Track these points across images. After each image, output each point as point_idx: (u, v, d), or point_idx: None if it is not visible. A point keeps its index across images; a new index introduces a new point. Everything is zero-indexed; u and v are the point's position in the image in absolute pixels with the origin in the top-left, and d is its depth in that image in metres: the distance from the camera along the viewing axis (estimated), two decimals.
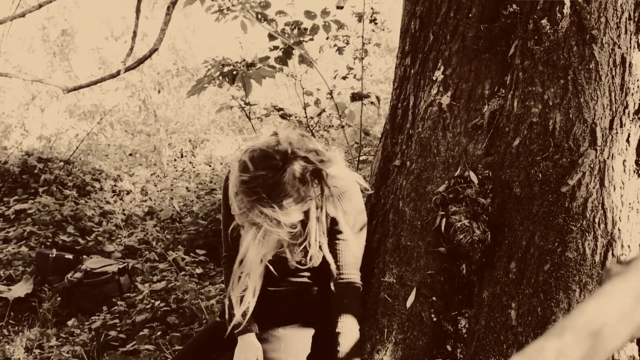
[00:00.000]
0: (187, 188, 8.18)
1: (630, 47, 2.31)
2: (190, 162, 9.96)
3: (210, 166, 9.67)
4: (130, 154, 10.07)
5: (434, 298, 2.49)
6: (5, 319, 4.87)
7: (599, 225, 2.23)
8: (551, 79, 2.34)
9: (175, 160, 10.08)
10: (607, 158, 2.26)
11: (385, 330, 2.50)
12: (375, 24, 4.27)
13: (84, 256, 5.73)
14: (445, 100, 2.61)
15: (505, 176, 2.40)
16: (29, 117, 10.97)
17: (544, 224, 2.26)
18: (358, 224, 2.49)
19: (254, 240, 2.21)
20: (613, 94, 2.28)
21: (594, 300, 0.51)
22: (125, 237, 6.67)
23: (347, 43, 4.32)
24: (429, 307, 2.49)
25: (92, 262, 5.40)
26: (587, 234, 2.22)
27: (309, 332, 2.53)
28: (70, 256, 5.63)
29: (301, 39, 4.25)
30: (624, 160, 2.32)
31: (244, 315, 2.41)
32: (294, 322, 2.53)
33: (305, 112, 4.49)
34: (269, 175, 2.07)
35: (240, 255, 2.28)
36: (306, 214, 2.23)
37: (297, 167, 2.09)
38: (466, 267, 2.47)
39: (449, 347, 2.48)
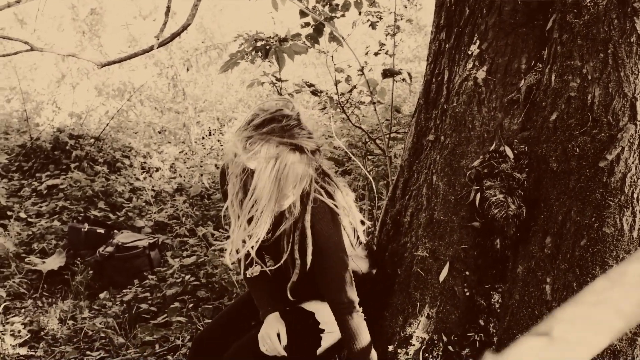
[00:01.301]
0: (215, 165, 8.22)
1: None
2: (219, 140, 9.99)
3: None
4: (159, 132, 10.12)
5: (467, 272, 2.49)
6: (39, 291, 4.94)
7: (637, 201, 2.21)
8: (590, 52, 2.31)
9: (203, 138, 10.12)
10: None
11: (418, 304, 2.51)
12: None
13: (115, 231, 5.78)
14: (481, 74, 2.59)
15: (542, 151, 2.38)
16: (60, 94, 11.07)
17: (581, 199, 2.24)
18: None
19: (270, 175, 2.09)
20: None
21: None
22: (155, 213, 6.73)
23: (380, 18, 4.30)
24: (462, 281, 2.49)
25: (123, 237, 5.45)
26: (625, 209, 2.20)
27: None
28: (101, 230, 5.69)
29: (332, 15, 4.23)
30: None
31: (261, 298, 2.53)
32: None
33: (337, 89, 4.48)
34: (285, 114, 2.11)
35: (250, 195, 2.14)
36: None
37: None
38: (500, 241, 2.46)
39: (481, 322, 2.48)
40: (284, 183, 2.10)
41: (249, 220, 2.19)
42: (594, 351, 0.49)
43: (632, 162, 2.21)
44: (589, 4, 2.32)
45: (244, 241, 2.25)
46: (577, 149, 2.27)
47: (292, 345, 2.43)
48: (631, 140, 2.21)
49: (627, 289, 0.50)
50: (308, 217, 2.26)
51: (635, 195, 2.21)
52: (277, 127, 2.07)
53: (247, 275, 2.50)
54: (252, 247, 2.26)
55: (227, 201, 2.26)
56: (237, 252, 2.30)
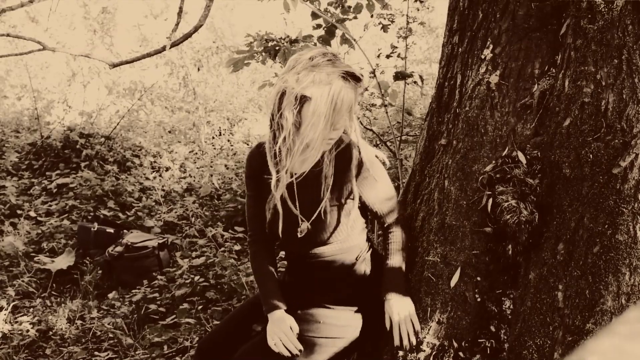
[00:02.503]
0: (225, 165, 8.23)
1: None
2: (229, 140, 10.00)
3: (248, 145, 9.70)
4: (170, 131, 10.14)
5: (478, 278, 2.48)
6: (48, 290, 4.96)
7: None
8: (604, 58, 2.29)
9: (213, 138, 10.14)
10: None
11: (429, 309, 2.50)
12: (421, 2, 4.23)
13: (125, 230, 5.80)
14: (494, 79, 2.58)
15: (555, 157, 2.36)
16: (70, 93, 11.11)
17: (594, 205, 2.23)
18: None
19: (326, 99, 2.26)
20: None
21: None
22: (164, 213, 6.74)
23: (392, 21, 4.29)
24: (473, 287, 2.48)
25: (133, 237, 5.47)
26: (638, 216, 2.18)
27: (353, 312, 2.54)
28: (111, 230, 5.71)
29: (344, 17, 4.22)
30: None
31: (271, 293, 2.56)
32: (337, 300, 2.54)
33: None
34: (324, 51, 2.36)
35: (310, 118, 2.29)
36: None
37: None
38: (512, 247, 2.45)
39: (492, 328, 2.47)
40: (340, 106, 2.28)
41: (306, 146, 2.35)
42: None
43: None
44: (603, 10, 2.30)
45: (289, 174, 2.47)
46: (591, 155, 2.26)
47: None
48: None
49: None
50: (356, 141, 2.50)
51: None
52: (323, 60, 2.28)
53: (299, 235, 2.51)
54: (303, 174, 2.48)
55: (279, 138, 2.36)
56: (292, 175, 2.49)
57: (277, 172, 2.43)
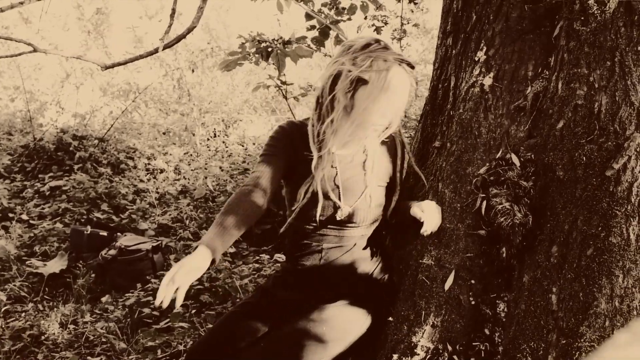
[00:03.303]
0: (220, 167, 8.21)
1: None
2: (224, 142, 9.98)
3: (243, 146, 9.68)
4: (164, 133, 10.12)
5: (472, 281, 2.47)
6: (40, 294, 4.92)
7: None
8: (597, 60, 2.29)
9: (208, 139, 10.12)
10: None
11: (423, 312, 2.49)
12: (415, 4, 4.22)
13: (118, 233, 5.77)
14: (488, 81, 2.58)
15: (548, 159, 2.36)
16: (64, 95, 11.07)
17: (588, 208, 2.22)
18: None
19: (383, 84, 2.29)
20: None
21: None
22: (158, 215, 6.72)
23: (386, 23, 4.28)
24: (467, 290, 2.47)
25: (126, 240, 5.44)
26: (631, 218, 2.18)
27: (358, 311, 2.51)
28: (104, 233, 5.68)
29: (338, 18, 4.22)
30: None
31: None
32: (343, 296, 2.51)
33: None
34: (377, 39, 2.40)
35: (364, 101, 2.33)
36: None
37: None
38: (506, 250, 2.44)
39: (487, 331, 2.46)
40: (394, 93, 2.31)
41: (355, 128, 2.39)
42: None
43: (639, 171, 2.19)
44: (596, 12, 2.30)
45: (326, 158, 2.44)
46: (584, 158, 2.25)
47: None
48: (638, 149, 2.19)
49: None
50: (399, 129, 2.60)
51: None
52: (378, 47, 2.32)
53: (338, 218, 2.50)
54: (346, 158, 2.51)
55: (327, 119, 2.40)
56: (345, 144, 2.50)
57: (319, 151, 2.44)
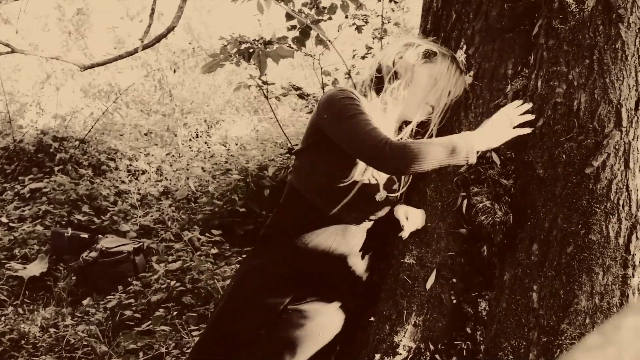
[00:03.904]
0: (202, 168, 8.18)
1: None
2: (206, 143, 9.95)
3: (225, 147, 9.65)
4: (146, 134, 10.06)
5: (454, 280, 2.48)
6: (20, 297, 4.88)
7: (623, 208, 2.20)
8: (576, 58, 2.30)
9: (190, 140, 10.08)
10: (633, 139, 2.23)
11: (405, 311, 2.49)
12: (396, 2, 4.22)
13: (99, 235, 5.74)
14: (468, 79, 2.58)
15: (528, 157, 2.36)
16: (44, 96, 10.99)
17: (567, 205, 2.23)
18: None
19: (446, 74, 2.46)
20: (639, 74, 2.24)
21: None
22: (140, 216, 6.68)
23: (366, 22, 4.28)
24: (449, 288, 2.48)
25: (108, 242, 5.41)
26: (611, 216, 2.19)
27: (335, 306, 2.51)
28: (85, 235, 5.65)
29: (319, 18, 4.21)
30: None
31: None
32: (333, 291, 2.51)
33: (323, 92, 4.47)
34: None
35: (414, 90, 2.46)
36: None
37: None
38: (487, 248, 2.45)
39: (468, 330, 2.47)
40: (448, 84, 2.46)
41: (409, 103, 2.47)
42: None
43: (618, 169, 2.20)
44: (574, 10, 2.31)
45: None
46: (564, 156, 2.26)
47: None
48: (617, 147, 2.20)
49: (621, 346, 0.47)
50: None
51: (620, 202, 2.20)
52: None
53: (378, 199, 2.48)
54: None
55: (389, 86, 2.46)
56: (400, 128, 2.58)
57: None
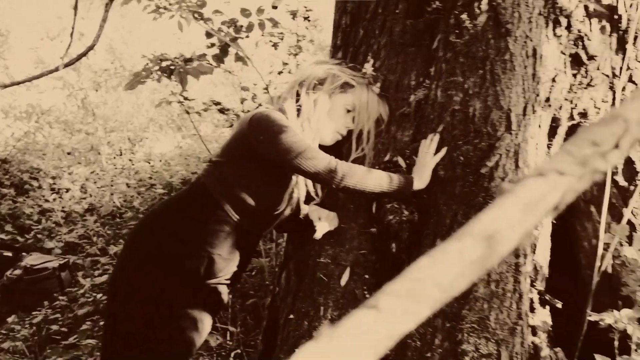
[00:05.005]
0: (127, 184, 8.18)
1: (541, 40, 2.52)
2: (130, 160, 9.93)
3: (149, 163, 9.66)
4: (69, 153, 9.98)
5: (366, 276, 2.64)
6: None
7: None
8: (471, 69, 2.51)
9: (114, 157, 10.05)
10: (522, 141, 2.45)
11: (322, 307, 2.63)
12: (309, 20, 4.42)
13: (24, 253, 5.71)
14: (375, 90, 2.76)
15: None
16: None
17: (466, 203, 2.43)
18: None
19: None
20: (526, 82, 2.48)
21: (489, 210, 0.64)
22: (65, 233, 6.66)
23: (282, 39, 4.45)
24: (362, 284, 2.64)
25: (32, 259, 5.40)
26: None
27: None
28: (9, 254, 5.61)
29: (237, 36, 4.36)
30: (537, 144, 2.55)
31: None
32: None
33: (243, 107, 4.61)
34: None
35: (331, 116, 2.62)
36: None
37: None
38: (396, 246, 2.61)
39: None
40: (365, 109, 2.66)
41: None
42: (418, 320, 0.58)
43: (509, 168, 2.42)
44: (468, 25, 2.53)
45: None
46: (462, 157, 2.47)
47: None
48: (507, 148, 2.42)
49: (446, 265, 0.62)
50: None
51: None
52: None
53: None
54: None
55: (306, 115, 2.59)
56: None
57: None
